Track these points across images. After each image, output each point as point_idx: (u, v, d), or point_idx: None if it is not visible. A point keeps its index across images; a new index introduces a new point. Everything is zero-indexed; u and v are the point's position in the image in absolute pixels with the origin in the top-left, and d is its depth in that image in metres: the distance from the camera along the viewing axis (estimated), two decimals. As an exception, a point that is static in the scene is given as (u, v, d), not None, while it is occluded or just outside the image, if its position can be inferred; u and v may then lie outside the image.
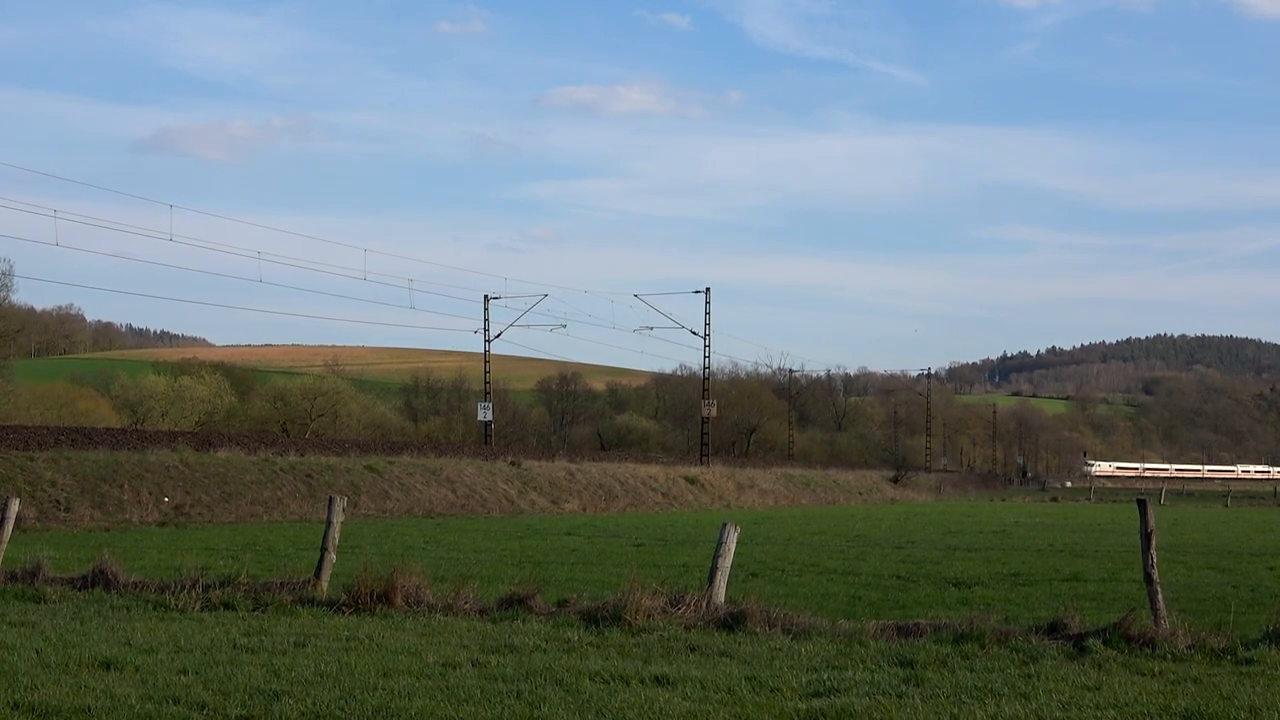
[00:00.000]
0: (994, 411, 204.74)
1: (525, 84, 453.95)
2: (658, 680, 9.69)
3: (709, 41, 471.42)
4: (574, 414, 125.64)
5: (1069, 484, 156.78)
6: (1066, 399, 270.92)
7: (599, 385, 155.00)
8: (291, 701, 8.64)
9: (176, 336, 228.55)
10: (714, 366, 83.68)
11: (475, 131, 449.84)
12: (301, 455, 46.78)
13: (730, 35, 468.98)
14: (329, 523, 14.73)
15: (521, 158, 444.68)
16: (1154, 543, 12.47)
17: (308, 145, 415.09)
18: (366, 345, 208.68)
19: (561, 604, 13.63)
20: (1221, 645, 11.38)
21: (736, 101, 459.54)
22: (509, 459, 58.74)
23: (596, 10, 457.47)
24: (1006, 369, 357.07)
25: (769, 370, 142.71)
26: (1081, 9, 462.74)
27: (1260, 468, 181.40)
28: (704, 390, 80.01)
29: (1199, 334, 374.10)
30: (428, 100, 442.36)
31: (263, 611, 13.26)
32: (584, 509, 53.50)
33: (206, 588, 14.09)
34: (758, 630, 12.33)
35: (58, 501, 33.74)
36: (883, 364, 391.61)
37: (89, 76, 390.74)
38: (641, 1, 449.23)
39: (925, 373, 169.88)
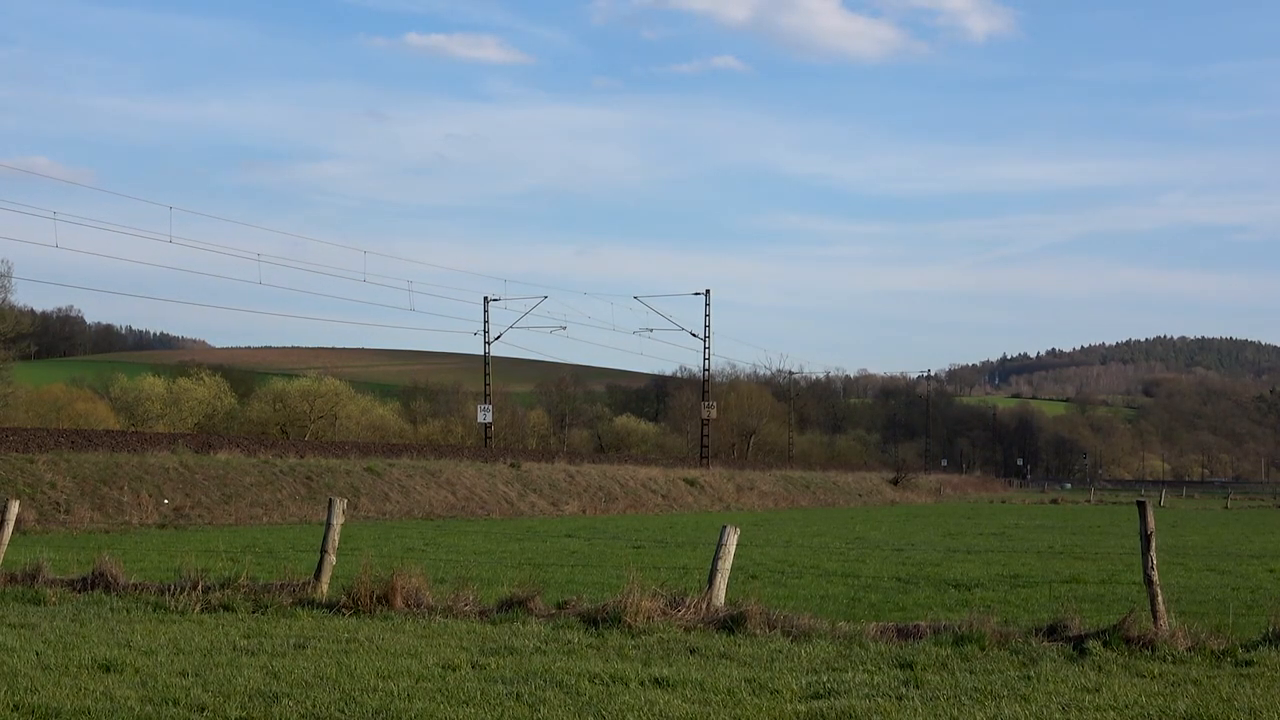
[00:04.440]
0: (994, 413, 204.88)
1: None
2: (657, 682, 9.69)
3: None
4: (574, 416, 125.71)
5: (1069, 485, 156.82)
6: (1066, 401, 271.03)
7: (599, 387, 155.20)
8: (291, 703, 8.64)
9: (176, 339, 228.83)
10: (713, 369, 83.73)
11: (454, 134, 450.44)
12: (301, 457, 46.79)
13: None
14: (329, 524, 14.72)
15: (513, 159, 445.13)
16: (1154, 544, 12.47)
17: (296, 178, 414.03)
18: (366, 347, 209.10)
19: (561, 606, 13.63)
20: (1221, 647, 11.38)
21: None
22: (509, 461, 58.75)
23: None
24: (1006, 371, 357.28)
25: (768, 372, 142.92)
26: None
27: None
28: (704, 392, 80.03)
29: (1199, 336, 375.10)
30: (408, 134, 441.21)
31: (262, 613, 13.25)
32: (584, 511, 53.51)
33: (206, 590, 14.08)
34: (757, 632, 12.33)
35: (57, 503, 33.74)
36: (882, 366, 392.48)
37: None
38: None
39: (925, 374, 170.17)
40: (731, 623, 12.57)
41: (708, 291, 77.21)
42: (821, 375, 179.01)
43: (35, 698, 8.68)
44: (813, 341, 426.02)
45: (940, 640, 11.73)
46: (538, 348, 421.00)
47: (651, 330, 77.53)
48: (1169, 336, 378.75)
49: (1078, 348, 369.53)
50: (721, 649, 11.40)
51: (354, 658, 10.54)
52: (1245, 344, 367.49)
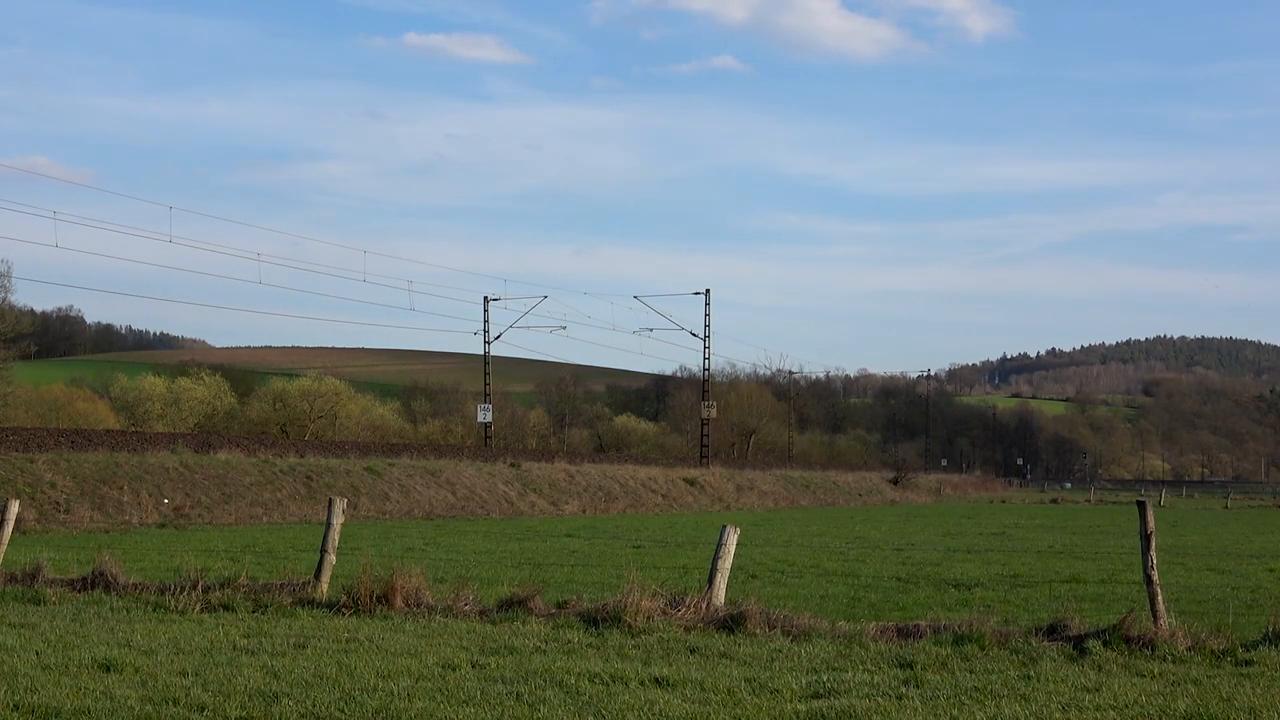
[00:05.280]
0: (994, 413, 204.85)
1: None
2: (657, 682, 9.69)
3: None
4: (574, 416, 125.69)
5: (1069, 485, 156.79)
6: (1066, 400, 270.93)
7: (599, 387, 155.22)
8: (291, 703, 8.64)
9: (176, 338, 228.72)
10: (713, 368, 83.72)
11: (453, 134, 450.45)
12: (301, 457, 46.78)
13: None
14: (329, 524, 14.72)
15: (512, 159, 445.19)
16: (1154, 544, 12.47)
17: (296, 177, 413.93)
18: (366, 347, 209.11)
19: (561, 605, 13.63)
20: (1221, 647, 11.38)
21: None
22: (509, 461, 58.74)
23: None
24: (1006, 370, 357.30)
25: (768, 372, 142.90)
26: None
27: None
28: (704, 392, 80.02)
29: (1198, 335, 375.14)
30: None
31: (262, 613, 13.26)
32: (584, 511, 53.50)
33: (206, 589, 14.08)
34: (757, 632, 12.33)
35: (57, 503, 33.73)
36: (882, 366, 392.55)
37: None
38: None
39: (925, 374, 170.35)
40: (731, 622, 12.57)
41: (708, 291, 77.25)
42: (821, 375, 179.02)
43: (35, 697, 8.68)
44: (813, 341, 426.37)
45: (940, 640, 11.73)
46: (538, 347, 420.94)
47: (651, 330, 77.60)
48: (1169, 336, 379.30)
49: (1078, 347, 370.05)
50: (721, 648, 11.40)
51: (354, 657, 10.54)
52: (1245, 344, 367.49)
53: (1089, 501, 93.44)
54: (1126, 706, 9.05)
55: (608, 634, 12.13)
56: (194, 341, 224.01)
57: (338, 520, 14.75)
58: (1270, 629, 11.88)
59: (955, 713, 8.75)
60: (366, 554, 19.54)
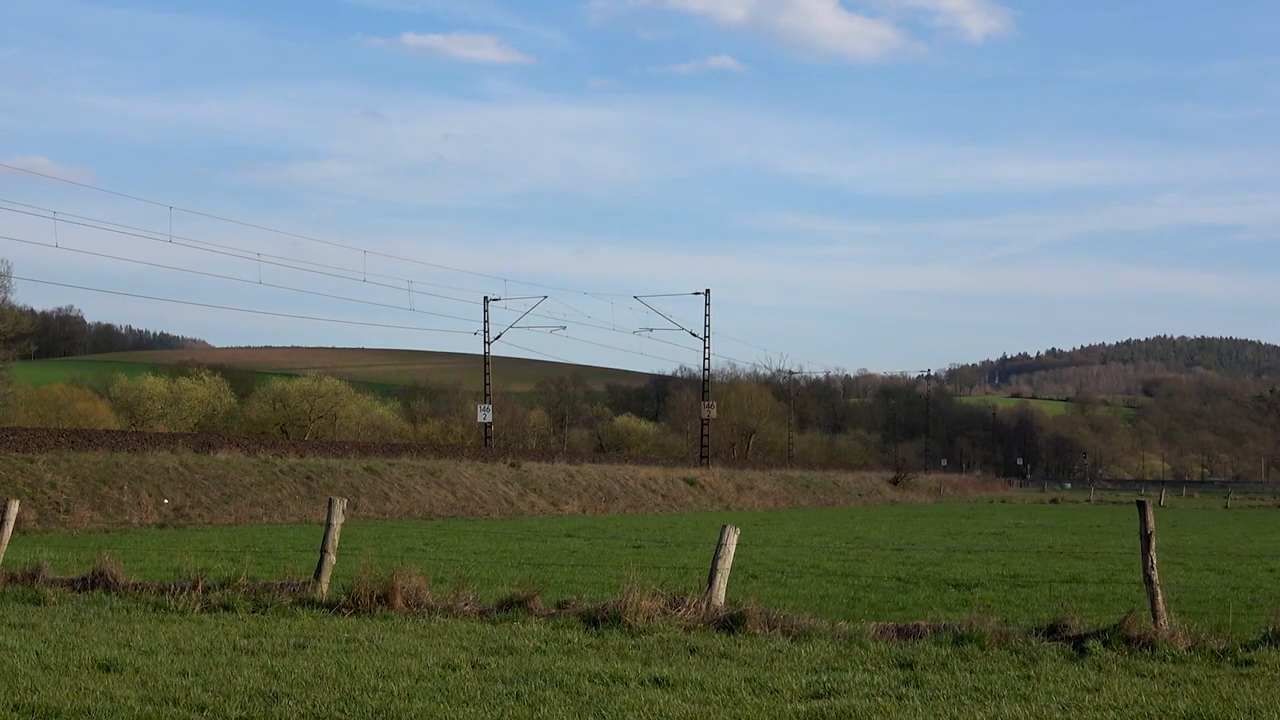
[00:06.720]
0: (994, 413, 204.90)
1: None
2: (657, 682, 9.69)
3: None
4: (574, 416, 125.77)
5: (1069, 485, 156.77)
6: (1066, 400, 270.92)
7: (598, 387, 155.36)
8: (291, 703, 8.64)
9: (176, 338, 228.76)
10: (713, 368, 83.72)
11: (452, 134, 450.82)
12: (301, 457, 46.79)
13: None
14: (328, 524, 14.72)
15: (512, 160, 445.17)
16: (1154, 544, 12.47)
17: (294, 177, 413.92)
18: (366, 347, 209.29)
19: (561, 605, 13.63)
20: (1221, 647, 11.38)
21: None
22: (509, 461, 58.75)
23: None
24: (1006, 370, 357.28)
25: (768, 372, 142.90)
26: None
27: None
28: (704, 392, 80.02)
29: (1198, 335, 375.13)
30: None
31: (262, 613, 13.26)
32: (584, 511, 53.51)
33: (206, 589, 14.09)
34: (757, 632, 12.33)
35: (57, 503, 33.73)
36: (882, 365, 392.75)
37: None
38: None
39: (925, 374, 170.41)
40: (731, 622, 12.57)
41: (708, 291, 77.22)
42: (821, 375, 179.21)
43: (35, 697, 8.68)
44: (813, 341, 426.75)
45: (940, 640, 11.73)
46: (538, 347, 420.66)
47: (651, 330, 77.56)
48: (1169, 336, 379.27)
49: (1078, 347, 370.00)
50: (721, 649, 11.40)
51: (354, 657, 10.54)
52: (1245, 344, 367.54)
53: (1089, 501, 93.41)
54: (1126, 707, 9.05)
55: (608, 634, 12.13)
56: (194, 341, 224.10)
57: (338, 520, 14.75)
58: (1270, 629, 11.88)
59: (955, 713, 8.75)
60: (366, 554, 19.54)
